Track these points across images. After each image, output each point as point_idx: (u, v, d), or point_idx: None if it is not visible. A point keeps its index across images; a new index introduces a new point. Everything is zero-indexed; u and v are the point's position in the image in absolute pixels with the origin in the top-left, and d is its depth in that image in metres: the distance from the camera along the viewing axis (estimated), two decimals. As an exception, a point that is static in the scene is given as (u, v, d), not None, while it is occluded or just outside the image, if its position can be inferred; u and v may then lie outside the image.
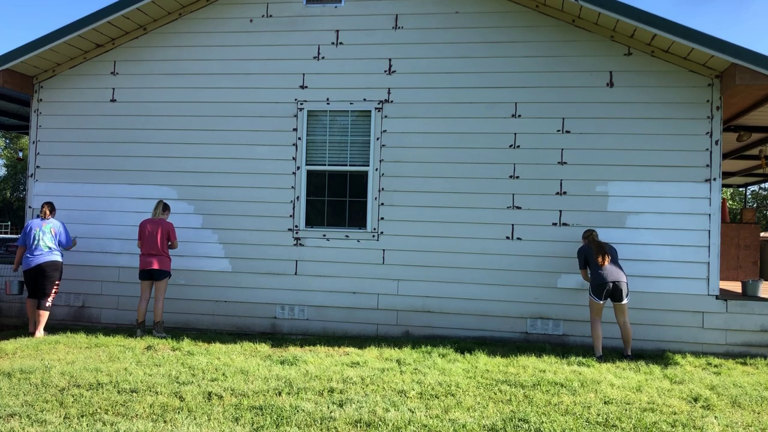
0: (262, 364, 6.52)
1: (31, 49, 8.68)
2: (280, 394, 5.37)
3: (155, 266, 8.10)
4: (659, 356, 7.35)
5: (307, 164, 8.65)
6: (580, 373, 6.36)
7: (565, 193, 8.07)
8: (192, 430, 4.33)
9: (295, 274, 8.59)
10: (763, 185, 36.50)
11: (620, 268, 7.24)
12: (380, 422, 4.56)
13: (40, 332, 8.00)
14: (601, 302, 7.17)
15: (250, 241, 8.69)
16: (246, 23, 8.84)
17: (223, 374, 6.04)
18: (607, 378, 6.16)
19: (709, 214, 7.76)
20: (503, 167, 8.20)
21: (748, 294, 7.82)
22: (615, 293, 7.14)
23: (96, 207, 9.05)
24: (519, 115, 8.18)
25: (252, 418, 4.68)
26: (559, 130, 8.10)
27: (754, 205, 38.57)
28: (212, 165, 8.82)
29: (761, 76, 7.14)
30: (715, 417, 4.91)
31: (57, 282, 8.20)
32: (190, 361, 6.57)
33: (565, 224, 8.05)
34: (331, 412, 4.80)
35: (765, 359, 7.29)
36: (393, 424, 4.52)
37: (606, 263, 7.18)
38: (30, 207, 9.18)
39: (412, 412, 4.84)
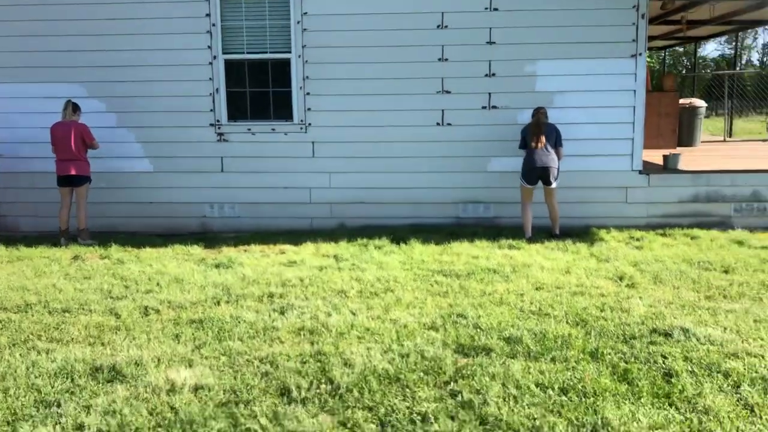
0: (197, 270, 6.41)
1: None
2: (218, 303, 5.32)
3: (73, 172, 7.66)
4: (586, 233, 7.65)
5: (223, 53, 8.12)
6: (511, 257, 6.56)
7: (494, 74, 7.93)
8: (133, 353, 4.25)
9: (222, 171, 8.32)
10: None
11: (553, 151, 7.28)
12: (323, 329, 4.61)
13: None
14: (531, 186, 7.28)
15: (171, 138, 8.28)
16: None
17: (158, 284, 5.91)
18: (537, 261, 6.39)
19: (635, 90, 7.84)
20: (432, 49, 7.94)
21: (668, 167, 8.11)
22: (544, 177, 7.25)
23: (4, 108, 8.34)
24: (446, -6, 7.83)
25: (193, 333, 4.63)
26: (487, 8, 7.82)
27: (671, 66, 39.34)
28: (123, 58, 8.17)
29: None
30: (640, 297, 5.19)
31: None
32: (121, 271, 6.40)
33: (494, 107, 7.98)
34: (273, 321, 4.81)
35: (681, 229, 7.70)
36: (336, 330, 4.57)
37: (539, 146, 7.21)
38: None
39: (354, 314, 4.90)
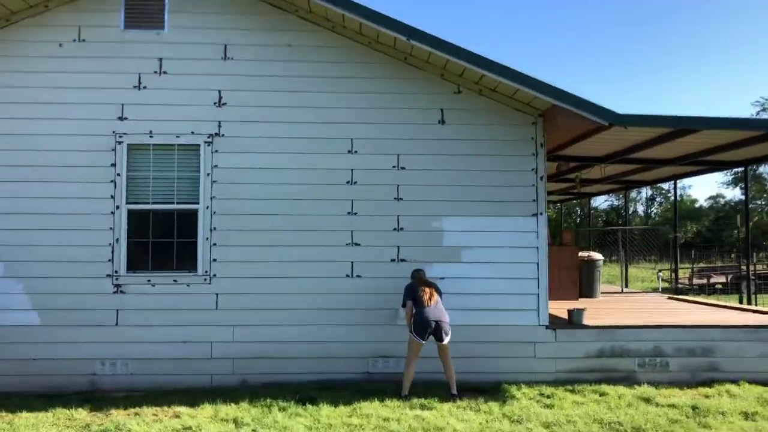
0: (78, 440, 5.76)
1: None
2: (98, 483, 4.71)
3: (-57, 327, 6.95)
4: (496, 389, 7.51)
5: (128, 203, 7.89)
6: (423, 419, 6.30)
7: (402, 228, 8.05)
8: None
9: (116, 324, 7.79)
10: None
11: (443, 308, 7.28)
12: None
13: None
14: (422, 342, 7.16)
15: (63, 290, 7.75)
16: (55, 48, 7.90)
17: (29, 460, 5.23)
18: (450, 423, 6.15)
19: (537, 247, 8.11)
20: (341, 203, 8.02)
21: (574, 322, 8.26)
22: (437, 333, 7.16)
23: None
24: (355, 151, 8.05)
25: None
26: (395, 166, 8.08)
27: (566, 215, 41.89)
28: (16, 205, 7.76)
29: (578, 117, 7.55)
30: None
31: None
32: (-13, 444, 5.65)
33: (403, 260, 8.02)
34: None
35: (590, 384, 7.71)
36: None
37: (431, 303, 7.19)
38: None
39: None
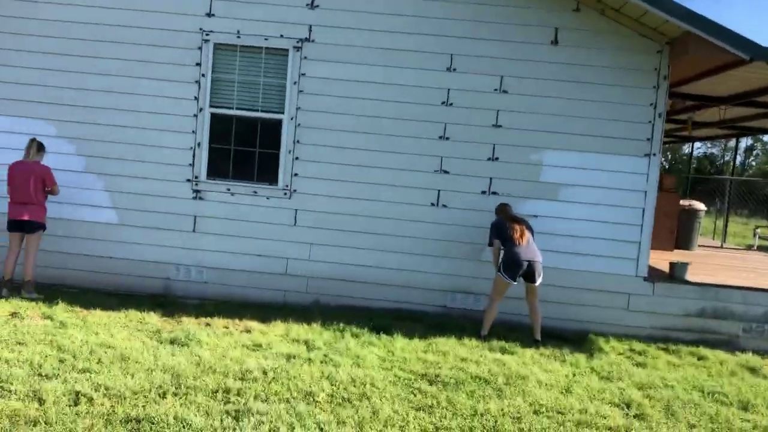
0: (148, 345, 5.62)
1: None
2: (164, 395, 4.52)
3: (26, 217, 6.91)
4: (582, 339, 6.97)
5: (211, 106, 7.53)
6: (504, 364, 5.84)
7: (497, 159, 7.41)
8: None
9: (193, 231, 7.60)
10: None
11: (535, 247, 6.70)
12: (283, 447, 3.84)
13: None
14: (512, 282, 6.62)
15: (142, 190, 7.58)
16: (144, -68, 7.44)
17: (99, 361, 5.11)
18: (533, 372, 5.67)
19: (645, 191, 7.33)
20: (434, 126, 7.41)
21: (675, 276, 7.53)
22: (529, 273, 6.61)
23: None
24: (455, 69, 7.36)
25: (125, 438, 3.83)
26: (496, 89, 7.36)
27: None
28: (99, 99, 7.54)
29: (715, 48, 6.58)
30: (654, 436, 4.50)
31: None
32: (61, 339, 5.57)
33: (494, 193, 7.42)
34: (224, 430, 4.02)
35: (686, 345, 7.06)
36: (298, 451, 3.81)
37: (523, 241, 6.61)
38: None
39: (321, 429, 4.14)
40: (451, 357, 5.97)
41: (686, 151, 39.68)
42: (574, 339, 6.97)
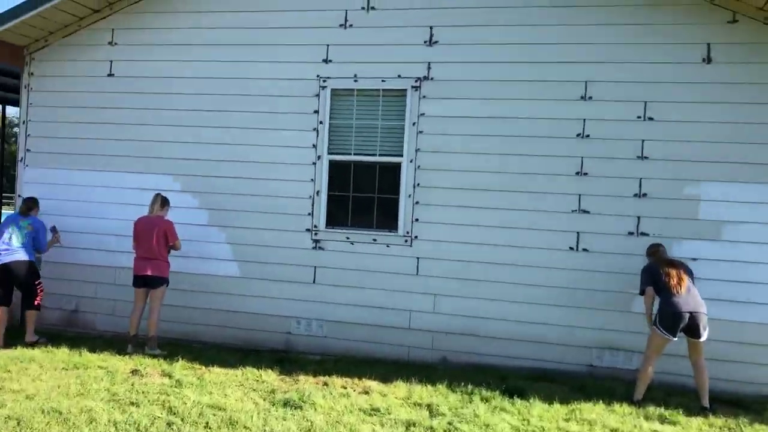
0: (261, 407, 5.24)
1: (15, 15, 7.49)
2: (267, 468, 4.07)
3: (149, 272, 6.90)
4: (762, 407, 5.78)
5: (329, 153, 7.26)
6: (665, 439, 4.88)
7: (645, 195, 6.49)
8: None
9: (314, 282, 7.28)
10: None
11: (698, 296, 5.66)
12: None
13: (31, 335, 7.11)
14: (672, 338, 5.59)
15: (263, 242, 7.40)
16: (260, -17, 7.46)
17: (206, 425, 4.78)
18: (704, 451, 4.67)
19: (832, 227, 6.10)
20: (568, 161, 6.66)
21: None
22: (692, 327, 5.56)
23: (92, 198, 7.87)
24: (590, 97, 6.61)
25: None
26: (639, 117, 6.50)
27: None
28: (221, 152, 7.53)
29: None
30: None
31: (37, 281, 7.13)
32: (174, 399, 5.33)
33: (643, 234, 6.48)
34: None
35: None
36: None
37: (681, 290, 5.59)
38: (19, 195, 8.07)
39: None
40: (598, 427, 5.09)
41: None
42: (752, 405, 5.80)
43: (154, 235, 6.89)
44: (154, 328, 6.93)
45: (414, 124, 7.02)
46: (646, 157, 6.48)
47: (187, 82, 7.62)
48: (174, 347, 7.08)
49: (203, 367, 6.43)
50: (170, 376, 6.06)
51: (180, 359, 6.56)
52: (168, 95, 7.68)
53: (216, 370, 6.36)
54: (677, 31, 6.41)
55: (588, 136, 6.61)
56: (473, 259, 6.86)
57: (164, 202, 7.13)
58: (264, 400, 5.49)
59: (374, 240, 7.13)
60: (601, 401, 5.71)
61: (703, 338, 5.58)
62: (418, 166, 7.02)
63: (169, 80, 7.69)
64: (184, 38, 7.64)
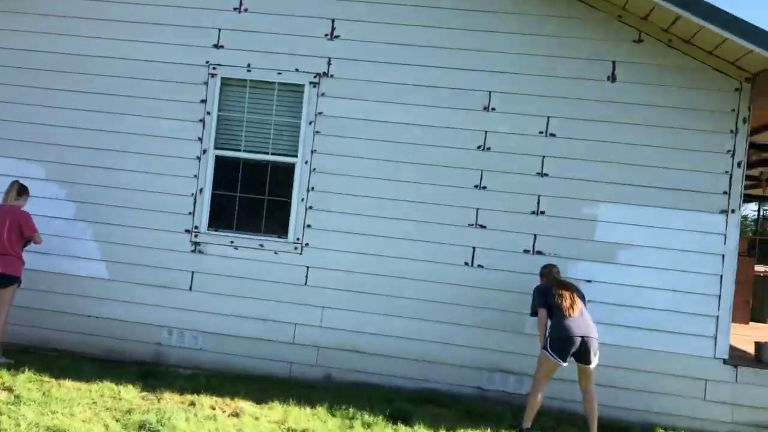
0: (111, 430, 4.57)
1: None
2: None
3: (-3, 269, 6.05)
4: (649, 435, 5.68)
5: (216, 147, 6.66)
6: (551, 472, 4.60)
7: (542, 212, 6.29)
8: None
9: (190, 289, 6.63)
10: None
11: (590, 319, 5.45)
12: None
13: None
14: (562, 363, 5.34)
15: (136, 241, 6.68)
16: (148, -43, 6.76)
17: (38, 454, 4.08)
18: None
19: (723, 255, 6.09)
20: (467, 173, 6.37)
21: (763, 360, 6.19)
22: (582, 352, 5.32)
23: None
24: (493, 108, 6.35)
25: None
26: (542, 132, 6.31)
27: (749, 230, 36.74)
28: (94, 139, 6.76)
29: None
30: None
31: None
32: (6, 420, 4.59)
33: (539, 252, 6.27)
34: None
35: (781, 448, 5.69)
36: None
37: (574, 312, 5.36)
38: None
39: None
40: (484, 458, 4.76)
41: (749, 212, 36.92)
42: (639, 433, 5.68)
43: (5, 227, 6.04)
44: (0, 333, 6.07)
45: (311, 123, 6.54)
46: (546, 174, 6.28)
47: (61, 58, 6.81)
48: (23, 355, 6.24)
49: (53, 380, 5.66)
50: (11, 390, 5.28)
51: (27, 370, 5.75)
52: (38, 71, 6.83)
53: (68, 383, 5.61)
54: (585, 46, 6.26)
55: (489, 148, 6.34)
56: (364, 270, 6.44)
57: (22, 190, 6.28)
58: (117, 421, 4.82)
59: (261, 246, 6.58)
60: (488, 428, 5.41)
61: (593, 364, 5.36)
62: (314, 169, 6.53)
63: (41, 55, 6.84)
64: (60, 8, 6.83)
